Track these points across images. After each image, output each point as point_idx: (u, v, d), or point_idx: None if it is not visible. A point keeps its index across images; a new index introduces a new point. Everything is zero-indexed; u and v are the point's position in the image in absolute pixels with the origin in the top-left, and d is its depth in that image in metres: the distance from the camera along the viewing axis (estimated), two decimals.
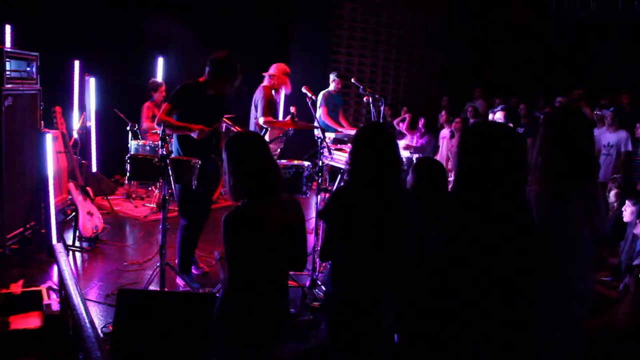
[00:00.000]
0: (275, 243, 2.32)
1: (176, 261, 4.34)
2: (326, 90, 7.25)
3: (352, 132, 7.21)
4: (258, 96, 5.21)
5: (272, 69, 5.24)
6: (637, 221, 4.11)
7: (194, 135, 4.00)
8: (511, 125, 4.36)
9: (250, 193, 2.31)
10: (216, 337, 2.39)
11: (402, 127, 8.45)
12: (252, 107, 5.33)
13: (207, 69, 4.11)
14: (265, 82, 5.22)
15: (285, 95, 8.38)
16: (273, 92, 5.26)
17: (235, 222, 2.30)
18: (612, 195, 4.68)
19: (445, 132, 8.04)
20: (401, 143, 8.25)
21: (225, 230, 2.27)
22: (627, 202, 4.22)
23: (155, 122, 3.93)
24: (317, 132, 4.90)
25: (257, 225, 2.29)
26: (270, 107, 5.14)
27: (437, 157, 7.67)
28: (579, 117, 2.18)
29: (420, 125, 8.42)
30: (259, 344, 2.39)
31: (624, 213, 4.22)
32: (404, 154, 8.27)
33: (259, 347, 2.40)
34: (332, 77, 7.16)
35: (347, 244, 2.46)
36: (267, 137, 4.85)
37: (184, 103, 4.07)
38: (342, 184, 2.62)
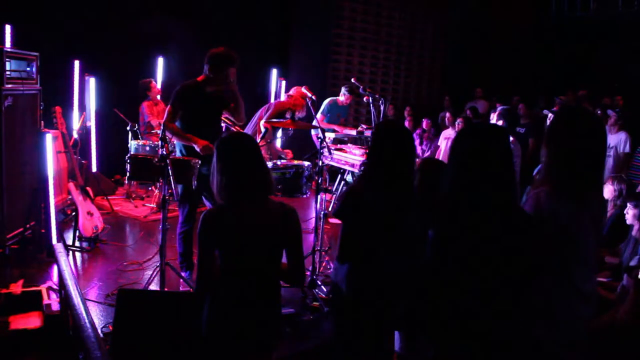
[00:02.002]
0: (254, 246, 2.28)
1: (178, 259, 4.35)
2: (334, 98, 7.29)
3: (352, 132, 7.23)
4: (273, 104, 5.36)
5: (292, 90, 5.43)
6: (633, 223, 4.11)
7: (197, 148, 3.99)
8: (501, 123, 4.37)
9: (235, 194, 2.29)
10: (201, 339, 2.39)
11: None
12: (263, 109, 5.45)
13: (206, 66, 4.11)
14: (283, 99, 5.38)
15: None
16: (288, 111, 5.37)
17: (213, 220, 2.28)
18: (610, 194, 4.68)
19: (449, 133, 8.01)
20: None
21: (201, 227, 2.26)
22: (628, 204, 4.22)
23: (161, 126, 3.96)
24: (317, 132, 4.92)
25: (235, 225, 2.27)
26: (276, 117, 5.26)
27: (440, 158, 7.65)
28: (592, 117, 2.16)
29: (425, 127, 8.41)
30: (237, 348, 2.35)
31: (627, 215, 4.22)
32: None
33: (238, 352, 2.36)
34: (343, 89, 7.23)
35: (363, 243, 2.47)
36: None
37: (185, 103, 4.07)
38: (352, 181, 2.65)
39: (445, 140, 7.97)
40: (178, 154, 4.25)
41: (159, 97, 7.05)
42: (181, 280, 4.19)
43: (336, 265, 2.60)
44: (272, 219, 2.32)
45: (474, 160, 2.00)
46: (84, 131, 6.64)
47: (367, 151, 2.64)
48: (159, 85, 7.61)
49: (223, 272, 2.31)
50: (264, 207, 2.32)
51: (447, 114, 8.37)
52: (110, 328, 3.35)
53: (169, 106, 4.11)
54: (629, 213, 4.16)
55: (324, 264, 4.64)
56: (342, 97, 7.19)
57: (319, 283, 4.31)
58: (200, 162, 3.92)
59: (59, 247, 3.34)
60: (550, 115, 6.32)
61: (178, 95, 4.08)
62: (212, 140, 4.13)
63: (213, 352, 2.38)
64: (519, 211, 2.04)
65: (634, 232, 4.12)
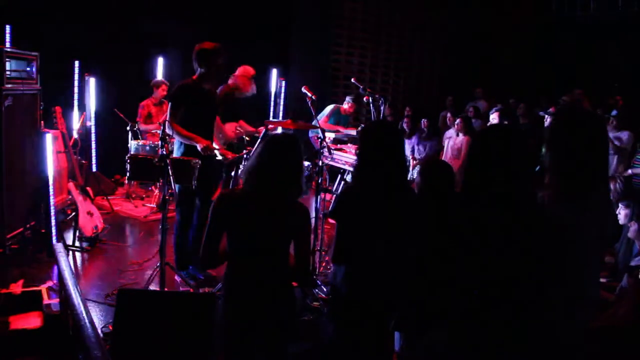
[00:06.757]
0: (260, 233, 2.31)
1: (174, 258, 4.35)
2: (338, 105, 7.31)
3: (352, 132, 7.23)
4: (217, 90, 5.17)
5: (237, 70, 5.26)
6: (630, 224, 4.11)
7: (198, 147, 4.02)
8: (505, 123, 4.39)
9: (260, 180, 2.31)
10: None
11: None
12: None
13: (195, 63, 4.14)
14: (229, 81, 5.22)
15: (285, 96, 8.42)
16: (235, 92, 5.25)
17: (228, 199, 2.33)
18: (611, 194, 4.68)
19: (450, 133, 7.99)
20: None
21: (215, 204, 2.32)
22: (620, 204, 4.23)
23: (166, 126, 3.96)
24: (316, 133, 4.90)
25: (248, 208, 2.30)
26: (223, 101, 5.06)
27: (443, 158, 7.63)
28: (592, 118, 2.15)
29: (423, 127, 8.39)
30: (239, 334, 2.39)
31: (619, 215, 4.22)
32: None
33: (240, 338, 2.39)
34: (348, 98, 7.26)
35: (358, 243, 2.47)
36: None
37: (183, 102, 4.10)
38: (348, 182, 2.64)
39: (447, 140, 7.95)
40: (176, 153, 4.23)
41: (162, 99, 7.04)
42: (181, 280, 4.20)
43: (335, 267, 2.60)
44: (284, 211, 2.35)
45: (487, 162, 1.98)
46: (84, 131, 6.64)
47: (356, 152, 2.64)
48: None
49: (232, 257, 2.35)
50: (282, 200, 2.35)
51: (448, 114, 8.34)
52: (110, 328, 3.35)
53: (169, 107, 4.14)
54: (621, 213, 4.17)
55: (323, 264, 4.64)
56: (346, 105, 7.22)
57: (319, 283, 4.31)
58: (200, 162, 3.92)
59: (59, 247, 3.33)
60: (546, 116, 6.31)
61: (175, 94, 4.14)
62: (209, 139, 4.17)
63: (230, 347, 2.40)
64: (530, 212, 2.01)
65: (629, 233, 4.12)
